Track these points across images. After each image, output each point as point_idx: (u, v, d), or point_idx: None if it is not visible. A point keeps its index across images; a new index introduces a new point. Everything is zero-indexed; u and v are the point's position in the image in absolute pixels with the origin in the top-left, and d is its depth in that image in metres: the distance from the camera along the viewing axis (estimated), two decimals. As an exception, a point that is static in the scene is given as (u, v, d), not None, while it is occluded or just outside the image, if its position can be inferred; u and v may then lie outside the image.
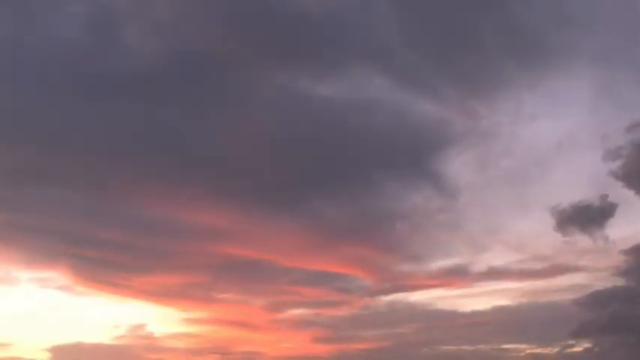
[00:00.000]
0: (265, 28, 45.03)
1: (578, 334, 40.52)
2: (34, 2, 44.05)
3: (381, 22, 46.50)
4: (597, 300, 39.97)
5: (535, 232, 45.52)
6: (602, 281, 41.61)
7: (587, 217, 40.11)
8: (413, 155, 49.02)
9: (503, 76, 47.52)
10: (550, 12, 45.73)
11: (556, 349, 43.13)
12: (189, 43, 45.67)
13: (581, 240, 41.63)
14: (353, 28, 46.28)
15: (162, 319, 49.49)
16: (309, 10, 45.27)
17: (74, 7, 43.98)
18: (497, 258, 46.82)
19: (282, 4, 44.92)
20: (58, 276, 46.03)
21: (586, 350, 41.49)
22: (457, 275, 47.03)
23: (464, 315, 47.38)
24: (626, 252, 39.58)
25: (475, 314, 47.09)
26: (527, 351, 44.46)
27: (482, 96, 48.40)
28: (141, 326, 48.08)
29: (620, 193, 39.87)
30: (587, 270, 43.38)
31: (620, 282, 40.31)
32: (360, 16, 46.10)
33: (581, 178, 44.91)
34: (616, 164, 39.02)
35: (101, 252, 45.98)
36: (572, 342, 42.00)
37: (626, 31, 44.47)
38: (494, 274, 46.13)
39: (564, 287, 44.38)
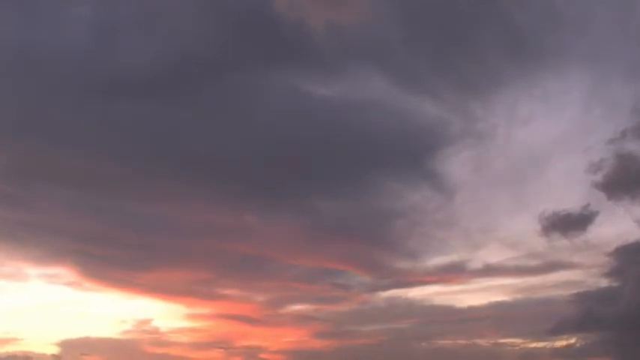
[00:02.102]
0: (265, 28, 45.49)
1: (571, 328, 41.67)
2: (38, 4, 44.54)
3: (381, 22, 46.98)
4: (587, 297, 41.31)
5: (528, 230, 45.71)
6: (591, 278, 42.98)
7: (569, 224, 41.52)
8: (411, 155, 49.65)
9: (500, 78, 48.27)
10: (547, 15, 46.21)
11: (550, 344, 43.83)
12: (191, 44, 46.12)
13: (563, 244, 43.20)
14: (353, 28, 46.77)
15: (168, 315, 50.18)
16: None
17: (78, 9, 44.68)
18: (493, 255, 47.47)
19: (283, 4, 45.30)
20: (66, 272, 46.74)
21: (578, 344, 42.35)
22: (454, 272, 47.67)
23: (461, 310, 47.99)
24: (608, 254, 40.90)
25: (471, 309, 47.76)
26: (522, 345, 45.14)
27: (480, 98, 49.03)
28: (147, 321, 48.68)
29: (602, 201, 40.91)
30: (578, 267, 44.56)
31: (604, 281, 41.92)
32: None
33: (567, 184, 46.00)
34: (597, 176, 39.83)
35: (108, 249, 46.89)
36: (565, 336, 42.79)
37: (619, 34, 45.04)
38: (490, 270, 46.80)
39: (557, 284, 45.42)
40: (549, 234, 42.64)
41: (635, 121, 39.17)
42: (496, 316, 46.90)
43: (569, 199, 43.67)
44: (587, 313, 39.33)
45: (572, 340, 42.50)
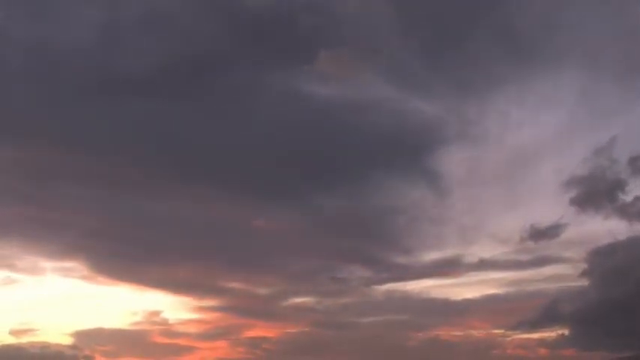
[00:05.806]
0: (266, 28, 47.49)
1: (561, 321, 43.93)
2: (51, 6, 46.50)
3: (380, 23, 48.60)
4: (575, 291, 43.84)
5: (518, 228, 47.89)
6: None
7: (544, 234, 45.26)
8: (409, 155, 51.75)
9: (495, 81, 50.38)
10: (543, 21, 47.99)
11: (540, 334, 45.83)
12: (196, 45, 48.12)
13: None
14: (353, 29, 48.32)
15: (176, 307, 51.39)
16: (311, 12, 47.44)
17: (89, 11, 46.54)
18: (486, 250, 49.40)
19: (283, 4, 47.30)
20: (80, 266, 48.28)
21: (569, 336, 44.43)
22: (449, 266, 49.28)
23: (456, 303, 49.55)
24: (583, 257, 44.41)
25: (466, 302, 49.37)
26: (514, 336, 46.79)
27: (476, 101, 51.15)
28: (156, 313, 49.82)
29: (573, 213, 44.37)
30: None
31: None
32: (360, 17, 48.14)
33: (544, 196, 49.02)
34: (571, 192, 43.63)
35: (119, 245, 48.59)
36: (555, 327, 44.92)
37: (611, 39, 46.50)
38: (484, 265, 48.36)
39: (544, 278, 47.60)
40: (526, 243, 46.20)
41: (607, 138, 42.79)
42: (490, 308, 48.97)
43: (546, 211, 47.14)
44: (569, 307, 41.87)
45: (559, 332, 44.76)
